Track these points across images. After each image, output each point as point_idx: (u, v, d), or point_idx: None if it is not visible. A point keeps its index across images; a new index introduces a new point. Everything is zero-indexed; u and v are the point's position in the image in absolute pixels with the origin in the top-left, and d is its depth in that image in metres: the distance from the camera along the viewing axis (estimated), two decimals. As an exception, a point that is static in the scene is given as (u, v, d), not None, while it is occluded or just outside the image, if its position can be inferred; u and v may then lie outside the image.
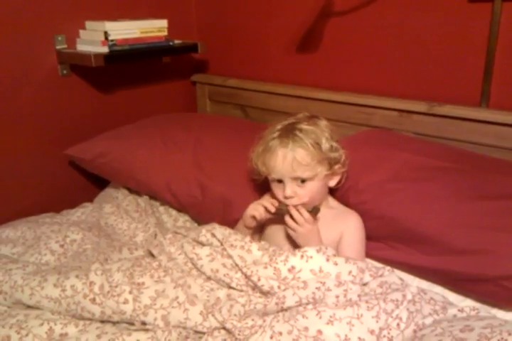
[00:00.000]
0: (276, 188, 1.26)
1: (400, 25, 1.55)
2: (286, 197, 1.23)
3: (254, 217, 1.26)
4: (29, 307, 1.15)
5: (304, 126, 1.23)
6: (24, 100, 1.63)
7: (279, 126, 1.25)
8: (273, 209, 1.23)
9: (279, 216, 1.24)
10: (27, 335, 1.05)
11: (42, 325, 1.08)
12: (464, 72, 1.47)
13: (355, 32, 1.65)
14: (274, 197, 1.27)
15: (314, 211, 1.22)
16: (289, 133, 1.22)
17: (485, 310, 1.10)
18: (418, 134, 1.53)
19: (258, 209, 1.25)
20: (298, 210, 1.20)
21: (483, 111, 1.41)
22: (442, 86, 1.52)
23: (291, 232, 1.22)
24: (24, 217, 1.59)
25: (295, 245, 1.24)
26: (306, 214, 1.20)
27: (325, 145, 1.21)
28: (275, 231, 1.31)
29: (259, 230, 1.36)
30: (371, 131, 1.55)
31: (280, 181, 1.24)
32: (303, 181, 1.21)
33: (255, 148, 1.28)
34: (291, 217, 1.21)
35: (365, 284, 1.09)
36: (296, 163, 1.19)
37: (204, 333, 1.06)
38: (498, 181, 1.23)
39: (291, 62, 1.84)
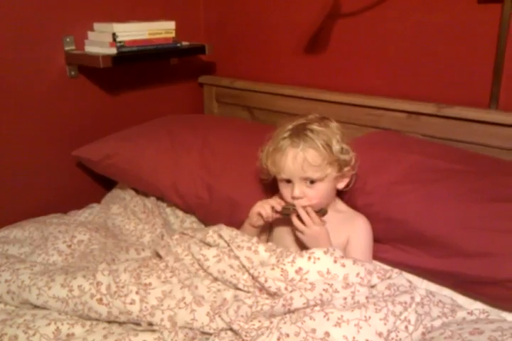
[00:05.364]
0: (284, 188, 1.25)
1: (409, 27, 1.54)
2: (294, 198, 1.22)
3: (260, 215, 1.25)
4: (36, 307, 1.15)
5: (315, 127, 1.22)
6: (32, 101, 1.64)
7: (289, 126, 1.24)
8: (279, 208, 1.22)
9: (285, 217, 1.23)
10: (34, 335, 1.05)
11: (49, 324, 1.08)
12: (473, 74, 1.46)
13: (363, 33, 1.65)
14: (282, 199, 1.26)
15: (321, 212, 1.21)
16: (300, 133, 1.21)
17: (495, 313, 1.08)
18: (426, 136, 1.52)
19: (265, 207, 1.24)
20: (305, 210, 1.20)
21: (492, 113, 1.40)
22: (451, 87, 1.51)
23: (299, 235, 1.21)
24: (32, 218, 1.60)
25: (304, 249, 1.22)
26: (314, 214, 1.19)
27: (335, 146, 1.21)
28: (283, 234, 1.30)
29: (266, 232, 1.35)
30: (379, 133, 1.55)
31: (289, 181, 1.23)
32: (312, 182, 1.21)
33: (264, 147, 1.27)
34: (298, 217, 1.20)
35: (373, 286, 1.08)
36: (307, 163, 1.18)
37: (211, 334, 1.06)
38: (506, 183, 1.22)
39: (298, 63, 1.84)
